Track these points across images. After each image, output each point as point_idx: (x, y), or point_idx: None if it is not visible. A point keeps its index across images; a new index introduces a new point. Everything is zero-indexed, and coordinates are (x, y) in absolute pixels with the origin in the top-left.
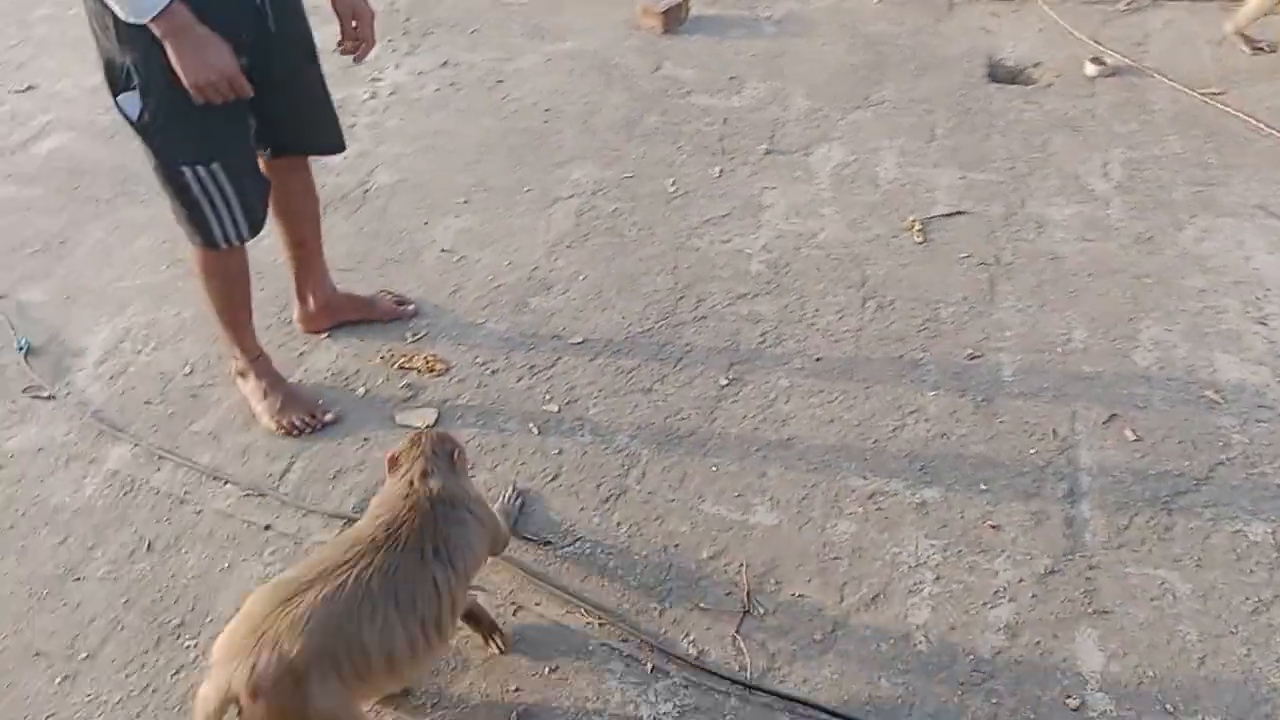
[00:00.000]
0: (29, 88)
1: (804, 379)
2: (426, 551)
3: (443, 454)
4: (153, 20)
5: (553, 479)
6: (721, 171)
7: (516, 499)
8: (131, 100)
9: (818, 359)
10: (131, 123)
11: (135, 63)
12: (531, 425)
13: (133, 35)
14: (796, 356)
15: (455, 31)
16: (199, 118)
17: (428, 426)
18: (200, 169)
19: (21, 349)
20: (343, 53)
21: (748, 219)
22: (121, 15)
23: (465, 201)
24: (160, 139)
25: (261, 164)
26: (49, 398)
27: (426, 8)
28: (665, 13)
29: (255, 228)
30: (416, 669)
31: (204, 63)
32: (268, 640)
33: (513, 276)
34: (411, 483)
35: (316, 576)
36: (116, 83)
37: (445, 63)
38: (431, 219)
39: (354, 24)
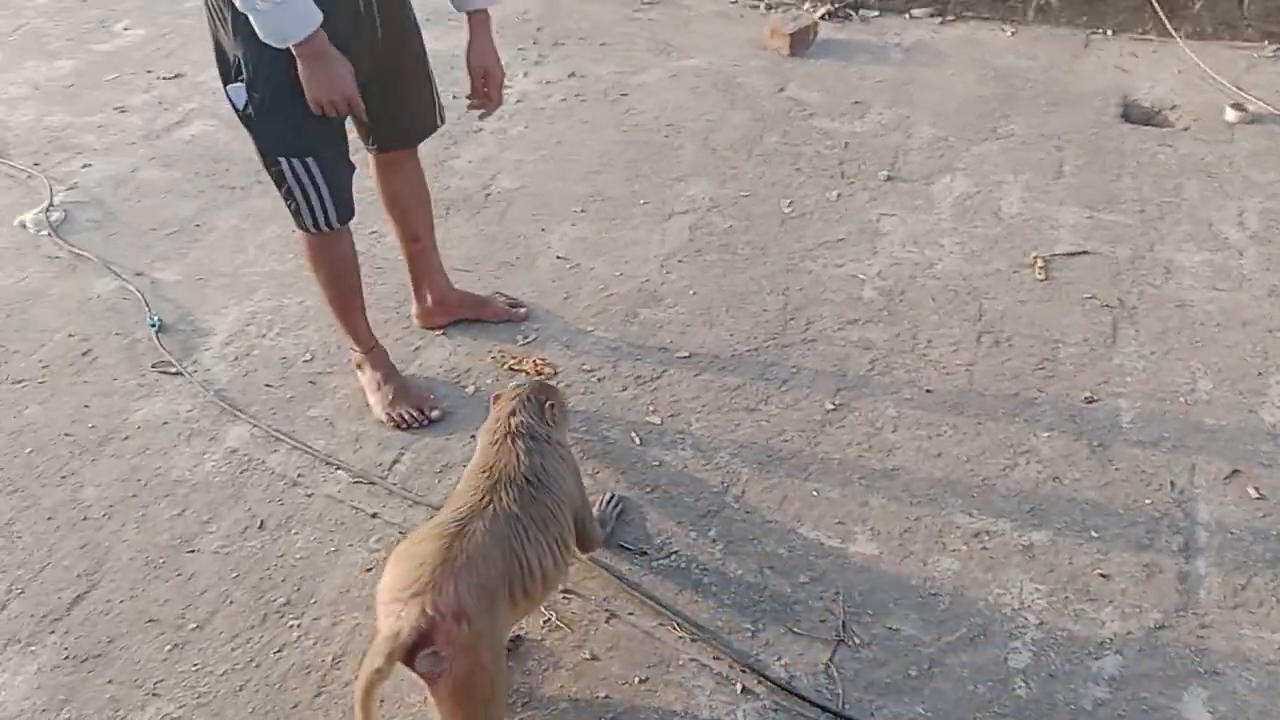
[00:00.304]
0: (176, 75)
1: (912, 410)
2: (529, 481)
3: (535, 401)
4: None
5: (651, 490)
6: (839, 195)
7: (615, 506)
8: (239, 91)
9: (928, 390)
10: (237, 111)
11: (245, 57)
12: (634, 435)
13: (246, 32)
14: (906, 386)
15: (584, 44)
16: (298, 115)
17: None
18: (295, 161)
19: (153, 325)
20: (470, 108)
21: (863, 244)
22: (263, 37)
23: (582, 211)
24: (261, 130)
25: (371, 160)
26: (176, 374)
27: (558, 19)
28: (793, 35)
29: (345, 217)
30: (556, 586)
31: (330, 83)
32: (461, 567)
33: (624, 287)
34: (498, 419)
35: (468, 514)
36: (227, 72)
37: (572, 74)
38: (549, 225)
39: (484, 84)
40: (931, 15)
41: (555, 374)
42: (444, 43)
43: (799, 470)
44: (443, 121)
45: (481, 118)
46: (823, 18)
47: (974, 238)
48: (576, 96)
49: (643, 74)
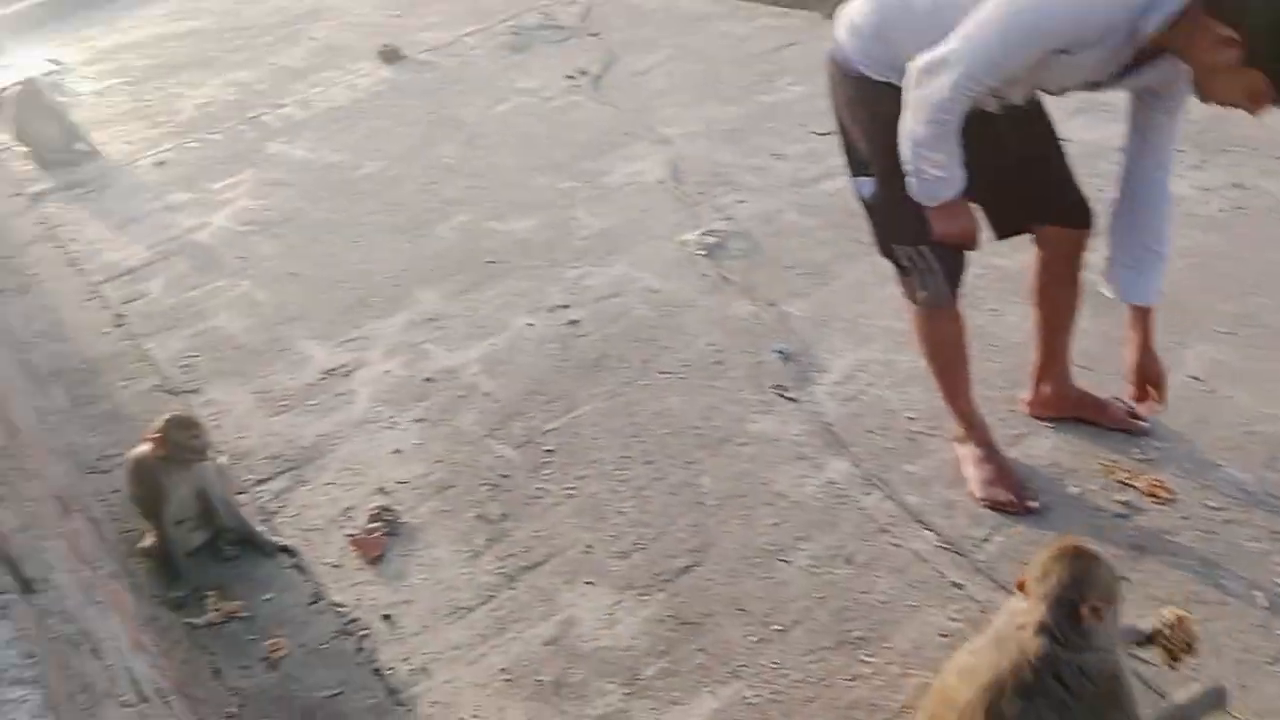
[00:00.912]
0: (828, 133)
1: None
2: None
3: (1067, 605)
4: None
5: (1272, 663)
6: None
7: (1211, 695)
8: (867, 185)
9: None
10: (862, 200)
11: (875, 162)
12: (1258, 594)
13: (882, 147)
14: None
15: (1255, 154)
16: (919, 214)
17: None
18: (910, 249)
19: (779, 352)
20: (1129, 397)
21: None
22: (914, 195)
23: (1229, 332)
24: (882, 219)
25: (1034, 239)
26: (791, 399)
27: (1225, 125)
28: None
29: (953, 299)
30: None
31: (954, 224)
32: None
33: (1271, 426)
34: (1020, 629)
35: None
36: (855, 166)
37: (1236, 184)
38: (1186, 340)
39: (1143, 384)
40: None
41: (1172, 501)
42: (1094, 133)
43: None
44: (1088, 224)
45: (1137, 415)
46: None
47: None
48: (1237, 209)
49: None
